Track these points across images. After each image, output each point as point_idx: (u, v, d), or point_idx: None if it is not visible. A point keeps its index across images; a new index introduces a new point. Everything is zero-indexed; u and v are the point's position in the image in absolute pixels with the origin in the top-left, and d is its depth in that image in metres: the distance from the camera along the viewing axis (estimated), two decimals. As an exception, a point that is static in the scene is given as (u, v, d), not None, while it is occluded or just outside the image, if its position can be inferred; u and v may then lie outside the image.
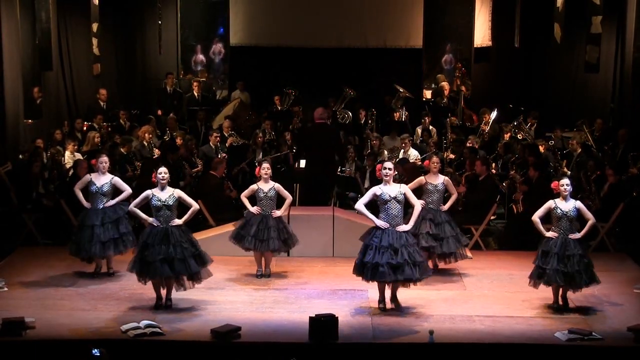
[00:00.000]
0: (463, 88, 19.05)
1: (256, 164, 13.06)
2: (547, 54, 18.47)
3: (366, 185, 13.36)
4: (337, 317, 8.27)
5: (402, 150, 14.49)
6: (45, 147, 13.87)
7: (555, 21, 17.12)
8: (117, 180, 10.35)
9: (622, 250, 11.66)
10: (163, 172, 9.19)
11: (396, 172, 9.41)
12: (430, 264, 10.45)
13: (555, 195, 9.19)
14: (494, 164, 13.96)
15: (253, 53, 19.40)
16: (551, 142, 14.94)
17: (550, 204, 9.15)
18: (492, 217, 12.33)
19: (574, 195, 9.27)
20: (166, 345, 8.19)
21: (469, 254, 11.28)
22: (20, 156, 13.46)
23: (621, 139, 14.14)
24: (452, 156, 14.40)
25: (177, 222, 9.16)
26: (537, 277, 9.16)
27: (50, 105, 15.94)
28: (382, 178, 9.07)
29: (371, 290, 9.46)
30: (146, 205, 9.29)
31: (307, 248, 11.12)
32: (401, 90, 17.77)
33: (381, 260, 8.83)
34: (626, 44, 15.23)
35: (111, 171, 10.86)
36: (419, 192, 10.17)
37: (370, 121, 16.62)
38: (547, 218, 9.27)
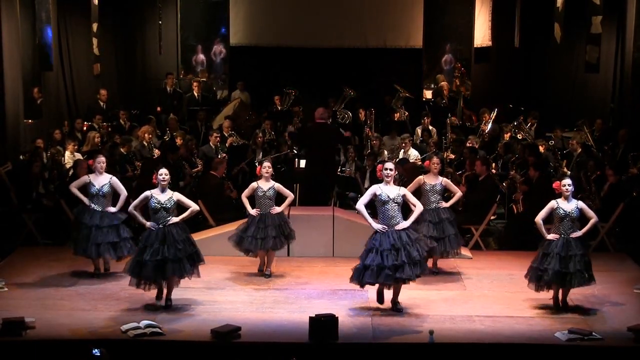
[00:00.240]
0: (462, 88, 19.07)
1: (256, 164, 13.09)
2: (547, 54, 18.48)
3: (366, 185, 13.36)
4: (337, 317, 8.27)
5: (402, 150, 14.50)
6: (45, 147, 13.87)
7: (555, 21, 17.11)
8: (115, 181, 10.34)
9: (622, 250, 11.66)
10: (164, 173, 9.18)
11: (396, 173, 9.39)
12: (430, 264, 10.48)
13: (557, 195, 9.19)
14: (494, 164, 13.95)
15: (253, 53, 19.40)
16: (551, 142, 14.94)
17: (552, 204, 9.14)
18: (492, 217, 12.34)
19: (574, 195, 9.27)
20: (166, 345, 8.19)
21: (469, 254, 11.32)
22: (21, 156, 13.47)
23: (621, 139, 14.15)
24: (452, 156, 14.40)
25: (174, 219, 9.14)
26: (537, 280, 9.13)
27: (50, 105, 15.94)
28: (383, 178, 9.07)
29: (371, 290, 9.43)
30: (145, 206, 9.28)
31: (307, 248, 11.12)
32: (401, 90, 17.78)
33: (386, 262, 8.81)
34: (626, 44, 15.24)
35: (111, 171, 10.87)
36: (417, 192, 10.17)
37: (369, 121, 16.63)
38: (548, 218, 9.27)
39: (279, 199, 10.47)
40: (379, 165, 9.30)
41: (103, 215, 10.14)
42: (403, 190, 9.11)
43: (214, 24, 20.16)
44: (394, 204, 8.95)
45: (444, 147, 14.90)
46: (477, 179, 12.47)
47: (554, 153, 14.38)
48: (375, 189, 9.06)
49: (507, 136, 15.41)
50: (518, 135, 15.52)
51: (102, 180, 10.22)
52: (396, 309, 9.10)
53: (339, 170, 13.81)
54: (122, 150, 13.72)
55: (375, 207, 9.14)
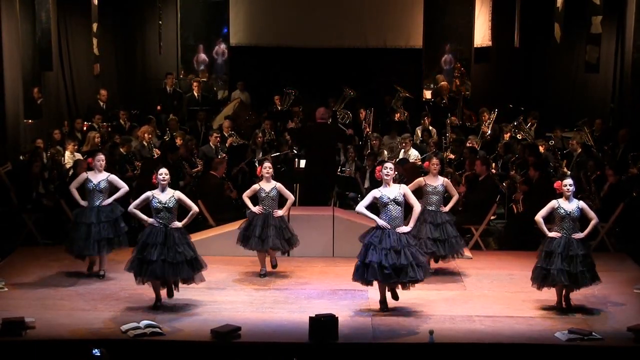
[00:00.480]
0: (462, 88, 19.06)
1: (256, 164, 13.09)
2: (547, 54, 18.47)
3: (366, 185, 13.37)
4: (337, 317, 8.27)
5: (403, 150, 14.50)
6: (45, 147, 13.87)
7: (555, 21, 17.11)
8: (114, 178, 10.33)
9: (622, 250, 11.66)
10: (164, 173, 9.17)
11: (396, 173, 9.38)
12: (431, 264, 10.49)
13: (558, 195, 9.19)
14: (494, 164, 13.95)
15: (253, 53, 19.40)
16: (551, 142, 14.93)
17: (553, 203, 9.14)
18: (492, 217, 12.34)
19: (574, 195, 9.26)
20: (166, 345, 8.18)
21: (469, 254, 11.31)
22: (21, 156, 13.47)
23: (621, 139, 14.14)
24: (452, 156, 14.40)
25: (177, 224, 9.15)
26: (541, 279, 9.12)
27: (50, 105, 15.94)
28: (382, 179, 9.06)
29: (371, 291, 9.45)
30: (146, 206, 9.28)
31: (307, 248, 11.12)
32: (401, 90, 17.78)
33: (386, 262, 8.81)
34: (626, 44, 15.24)
35: (111, 171, 10.86)
36: (418, 193, 10.17)
37: (368, 118, 16.65)
38: (549, 218, 9.27)
39: (281, 198, 10.47)
40: (379, 167, 9.28)
41: (99, 211, 10.12)
42: (403, 188, 9.10)
43: (214, 24, 20.17)
44: (395, 205, 8.95)
45: (444, 147, 14.89)
46: (477, 179, 12.47)
47: (554, 153, 14.37)
48: (375, 192, 9.04)
49: (507, 136, 15.41)
50: (518, 135, 15.52)
51: (100, 177, 10.19)
52: (395, 296, 9.11)
53: (339, 170, 13.81)
54: (122, 150, 13.72)
55: (375, 209, 9.13)
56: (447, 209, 10.35)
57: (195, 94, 18.16)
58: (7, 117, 13.67)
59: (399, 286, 9.05)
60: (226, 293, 9.81)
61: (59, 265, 10.71)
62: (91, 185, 10.16)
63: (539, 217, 9.20)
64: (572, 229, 9.09)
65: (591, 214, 9.19)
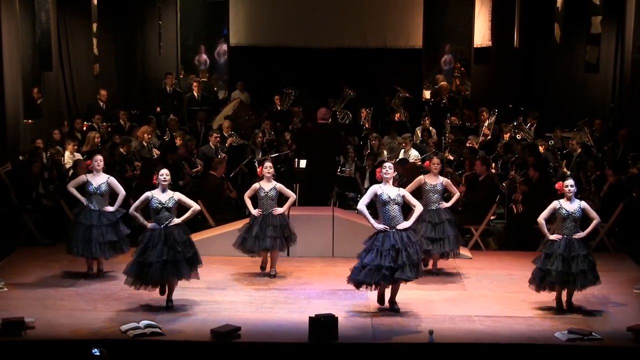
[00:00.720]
0: (462, 88, 19.06)
1: (255, 164, 13.09)
2: (547, 54, 18.48)
3: (366, 185, 13.37)
4: (337, 317, 8.27)
5: (403, 150, 14.50)
6: (45, 147, 13.87)
7: (555, 21, 17.12)
8: (113, 181, 10.33)
9: (622, 250, 11.66)
10: (165, 174, 9.18)
11: (396, 173, 9.38)
12: (430, 264, 10.49)
13: (558, 195, 9.18)
14: (493, 164, 13.95)
15: (253, 53, 19.41)
16: (551, 142, 14.93)
17: (555, 204, 9.13)
18: (492, 217, 12.34)
19: (575, 195, 9.26)
20: (166, 345, 8.18)
21: (469, 254, 11.31)
22: (20, 156, 13.46)
23: (621, 139, 14.15)
24: (451, 157, 14.39)
25: (176, 221, 9.16)
26: (540, 280, 9.11)
27: (50, 105, 15.94)
28: (382, 178, 9.06)
29: (371, 291, 9.45)
30: (145, 206, 9.29)
31: (307, 248, 11.12)
32: (401, 90, 17.78)
33: (383, 262, 8.81)
34: (626, 44, 15.24)
35: (110, 172, 10.86)
36: (418, 192, 10.17)
37: (367, 116, 16.68)
38: (549, 218, 9.27)
39: (280, 199, 10.47)
40: (379, 168, 9.26)
41: (101, 214, 10.14)
42: (402, 191, 9.10)
43: (214, 24, 20.18)
44: (394, 205, 8.95)
45: (443, 147, 14.89)
46: (477, 179, 12.47)
47: (553, 153, 14.37)
48: (376, 188, 9.04)
49: (507, 136, 15.41)
50: (518, 136, 15.52)
51: (100, 180, 10.21)
52: (394, 309, 9.10)
53: (339, 170, 13.81)
54: (121, 150, 13.72)
55: (375, 207, 9.14)
56: (448, 205, 10.35)
57: (195, 94, 18.16)
58: (7, 117, 13.68)
59: (388, 287, 9.04)
60: (226, 293, 9.81)
61: (59, 265, 10.71)
62: (92, 189, 10.17)
63: (541, 219, 9.18)
64: (574, 229, 9.08)
65: (593, 214, 9.19)
